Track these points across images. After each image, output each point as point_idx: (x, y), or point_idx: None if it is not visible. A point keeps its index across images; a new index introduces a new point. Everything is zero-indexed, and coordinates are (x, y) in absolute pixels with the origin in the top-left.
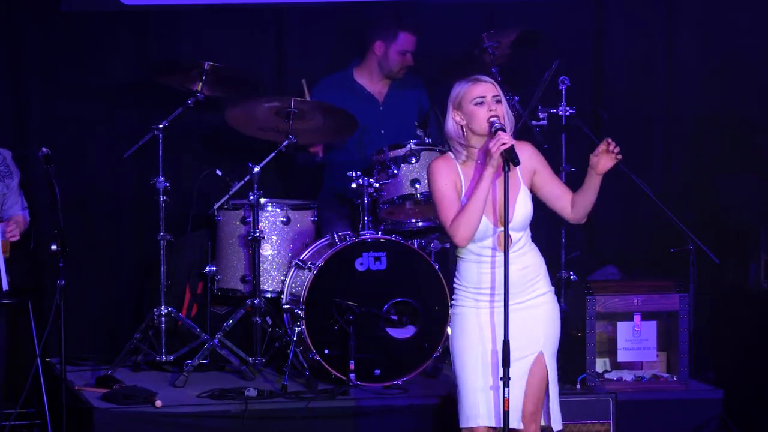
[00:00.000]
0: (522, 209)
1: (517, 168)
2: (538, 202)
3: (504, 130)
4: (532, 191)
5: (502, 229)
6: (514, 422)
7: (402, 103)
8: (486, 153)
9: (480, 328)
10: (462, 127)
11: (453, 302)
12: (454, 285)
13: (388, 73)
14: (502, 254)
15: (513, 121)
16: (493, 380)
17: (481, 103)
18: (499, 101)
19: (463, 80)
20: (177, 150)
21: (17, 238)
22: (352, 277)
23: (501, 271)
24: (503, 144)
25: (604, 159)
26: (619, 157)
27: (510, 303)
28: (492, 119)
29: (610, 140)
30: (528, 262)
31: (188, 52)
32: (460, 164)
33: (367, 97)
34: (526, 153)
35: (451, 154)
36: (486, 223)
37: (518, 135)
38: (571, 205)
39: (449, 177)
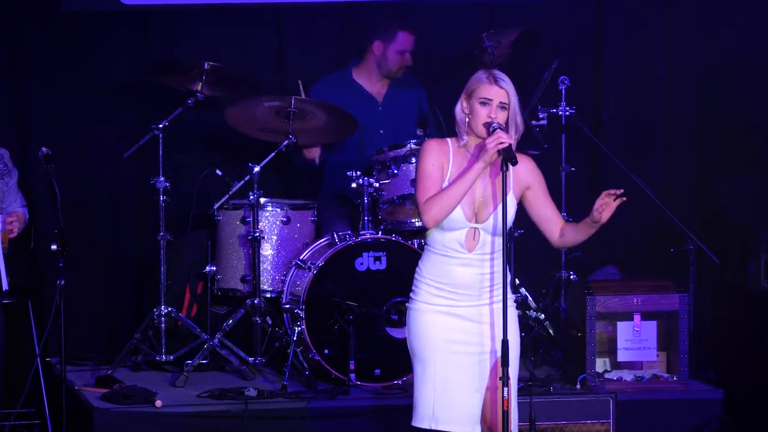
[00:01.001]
0: (501, 214)
1: (511, 175)
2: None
3: (503, 130)
4: (524, 207)
5: (474, 226)
6: (471, 426)
7: (401, 103)
8: (482, 147)
9: (439, 328)
10: (466, 115)
11: (411, 295)
12: (415, 276)
13: (387, 73)
14: (468, 254)
15: (521, 130)
16: (455, 384)
17: (485, 104)
18: (504, 108)
19: (485, 72)
20: (177, 150)
21: (15, 233)
22: (352, 277)
23: (464, 271)
24: (501, 143)
25: (607, 211)
26: (624, 198)
27: (461, 304)
28: (489, 122)
29: (610, 191)
30: (488, 270)
31: (188, 52)
32: (455, 150)
33: (366, 97)
34: (526, 167)
35: (449, 140)
36: (461, 215)
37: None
38: (560, 233)
39: (438, 159)
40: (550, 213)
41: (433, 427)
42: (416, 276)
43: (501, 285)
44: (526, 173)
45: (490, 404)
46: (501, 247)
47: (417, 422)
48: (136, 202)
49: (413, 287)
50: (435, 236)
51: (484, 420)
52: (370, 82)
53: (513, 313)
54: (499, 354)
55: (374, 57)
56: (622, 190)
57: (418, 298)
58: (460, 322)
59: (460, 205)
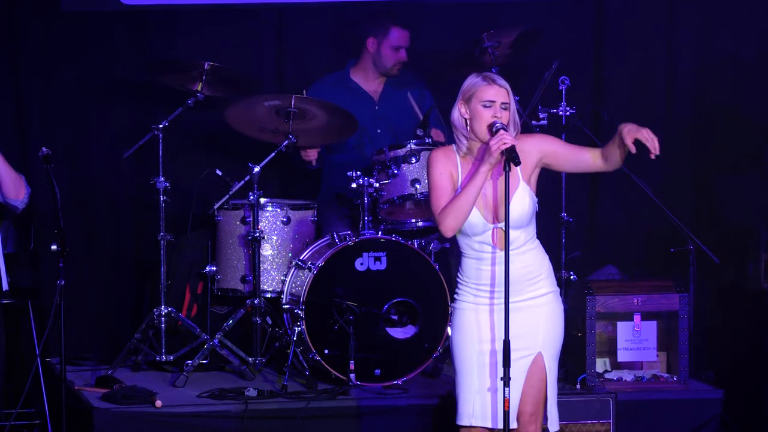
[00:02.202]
0: (518, 207)
1: (519, 173)
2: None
3: (506, 130)
4: (554, 170)
5: (497, 225)
6: (511, 422)
7: (398, 103)
8: (486, 150)
9: (478, 326)
10: (466, 120)
11: (455, 296)
12: (457, 279)
13: (383, 70)
14: (500, 252)
15: (519, 126)
16: (490, 380)
17: (488, 107)
18: (506, 108)
19: (479, 75)
20: (177, 150)
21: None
22: (352, 277)
23: (499, 269)
24: (504, 143)
25: (630, 139)
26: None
27: (503, 301)
28: (493, 122)
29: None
30: (527, 261)
31: (188, 52)
32: (461, 157)
33: (362, 96)
34: (530, 144)
35: (453, 146)
36: (479, 218)
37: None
38: (602, 159)
39: (445, 167)
40: (582, 155)
41: (473, 424)
42: (458, 279)
43: (542, 278)
44: (532, 150)
45: (528, 399)
46: (530, 237)
47: (459, 420)
48: (136, 202)
49: (457, 289)
50: (464, 241)
51: (523, 415)
52: (367, 80)
53: (558, 308)
54: (539, 349)
55: (369, 54)
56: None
57: (461, 299)
58: (501, 319)
59: (477, 209)
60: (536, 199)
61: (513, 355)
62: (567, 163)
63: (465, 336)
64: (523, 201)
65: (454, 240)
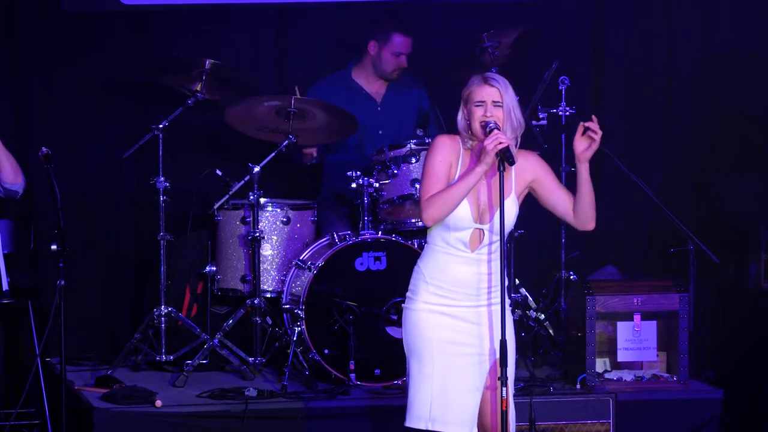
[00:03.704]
0: (506, 213)
1: (512, 175)
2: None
3: (499, 130)
4: (536, 199)
5: (479, 227)
6: (469, 426)
7: (401, 104)
8: (482, 150)
9: (443, 328)
10: (467, 122)
11: (409, 294)
12: (414, 275)
13: (382, 74)
14: (471, 253)
15: (517, 127)
16: (453, 383)
17: (479, 106)
18: (499, 105)
19: (477, 76)
20: (177, 150)
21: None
22: (352, 277)
23: (467, 269)
24: (500, 143)
25: (579, 143)
26: (595, 134)
27: (460, 304)
28: (485, 121)
29: (583, 123)
30: (487, 270)
31: (188, 52)
32: (464, 150)
33: (364, 97)
34: (529, 161)
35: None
36: (468, 215)
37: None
38: (572, 210)
39: (447, 156)
40: (563, 197)
41: (430, 428)
42: (415, 274)
43: (499, 287)
44: (529, 168)
45: (487, 405)
46: (500, 248)
47: (413, 423)
48: (136, 202)
49: (411, 286)
50: (439, 234)
51: (480, 421)
52: (368, 82)
53: (509, 316)
54: (497, 355)
55: (370, 57)
56: (594, 125)
57: (418, 298)
58: (458, 324)
59: (469, 205)
60: (515, 219)
61: (471, 360)
62: (547, 194)
63: (423, 338)
64: (510, 210)
65: None
